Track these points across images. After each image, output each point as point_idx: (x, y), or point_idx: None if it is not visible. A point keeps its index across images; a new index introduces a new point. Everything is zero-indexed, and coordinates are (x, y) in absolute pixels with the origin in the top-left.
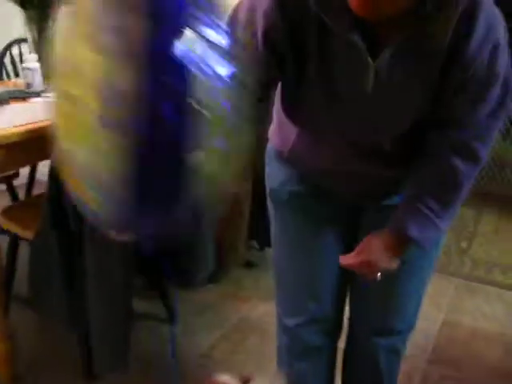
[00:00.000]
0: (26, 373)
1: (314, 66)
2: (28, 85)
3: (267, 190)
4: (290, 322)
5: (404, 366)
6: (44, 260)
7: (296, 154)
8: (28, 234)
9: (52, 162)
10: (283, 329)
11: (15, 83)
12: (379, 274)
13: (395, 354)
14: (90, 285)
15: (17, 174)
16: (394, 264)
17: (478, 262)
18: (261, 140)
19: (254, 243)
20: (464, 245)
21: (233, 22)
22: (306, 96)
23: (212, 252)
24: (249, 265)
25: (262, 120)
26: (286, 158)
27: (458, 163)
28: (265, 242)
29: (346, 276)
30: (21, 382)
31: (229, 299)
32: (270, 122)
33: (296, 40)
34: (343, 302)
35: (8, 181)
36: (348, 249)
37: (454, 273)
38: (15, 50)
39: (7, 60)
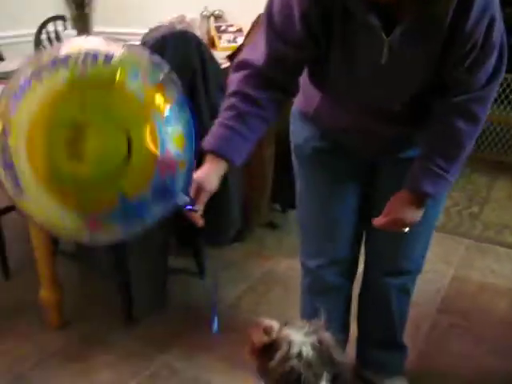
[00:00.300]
0: (72, 319)
1: (338, 44)
2: None
3: (292, 147)
4: (312, 263)
5: (413, 314)
6: None
7: (319, 114)
8: None
9: None
10: (306, 271)
11: None
12: (407, 228)
13: (405, 293)
14: (131, 242)
15: None
16: (417, 216)
17: (488, 225)
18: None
19: (277, 206)
20: (476, 209)
21: (269, 10)
22: (330, 69)
23: (238, 212)
24: (272, 226)
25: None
26: (310, 118)
27: (461, 124)
28: (287, 205)
29: (362, 223)
30: (68, 327)
31: (253, 256)
32: None
33: (326, 23)
34: (359, 246)
35: None
36: (364, 199)
37: (464, 234)
38: (50, 27)
39: (43, 37)
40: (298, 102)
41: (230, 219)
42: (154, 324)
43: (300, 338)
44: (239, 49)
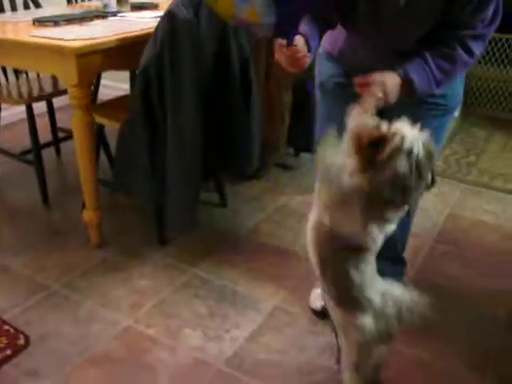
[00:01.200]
0: (111, 239)
1: None
2: (105, 6)
3: (317, 83)
4: None
5: (413, 243)
6: (131, 144)
7: (343, 54)
8: (114, 125)
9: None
10: None
11: (89, 5)
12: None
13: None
14: (168, 166)
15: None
16: (395, 93)
17: (483, 172)
18: None
19: (291, 150)
20: (472, 159)
21: None
22: (358, 10)
23: (257, 151)
24: (285, 167)
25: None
26: (335, 58)
27: (459, 49)
28: (300, 149)
29: None
30: (106, 246)
31: (269, 193)
32: None
33: None
34: None
35: None
36: None
37: (461, 180)
38: None
39: None
40: (324, 45)
41: (251, 153)
42: (184, 244)
43: (413, 135)
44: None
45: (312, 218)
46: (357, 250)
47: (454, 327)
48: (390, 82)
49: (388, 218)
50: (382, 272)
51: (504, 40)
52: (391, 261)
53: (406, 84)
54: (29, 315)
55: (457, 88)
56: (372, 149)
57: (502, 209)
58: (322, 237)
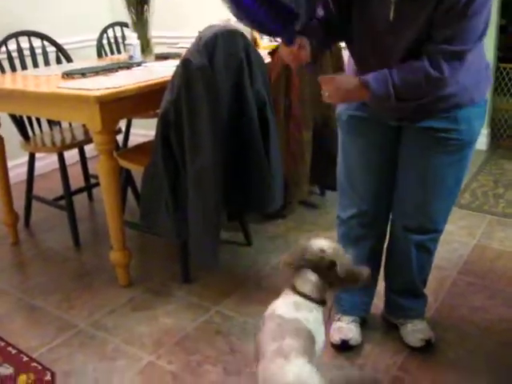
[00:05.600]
0: (137, 278)
1: (356, 7)
2: (130, 57)
3: (336, 114)
4: (345, 214)
5: (437, 275)
6: (154, 184)
7: None
8: (138, 169)
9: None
10: (340, 222)
11: (118, 58)
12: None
13: (425, 250)
14: (189, 205)
15: (120, 130)
16: (338, 97)
17: (511, 203)
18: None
19: (316, 189)
20: (501, 190)
21: None
22: (354, 29)
23: (279, 190)
24: (311, 206)
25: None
26: None
27: (425, 62)
28: (325, 187)
29: (390, 183)
30: (134, 285)
31: (294, 231)
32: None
33: None
34: (384, 201)
35: None
36: (389, 162)
37: (488, 211)
38: (110, 33)
39: (104, 41)
40: None
41: (272, 192)
42: (208, 283)
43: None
44: (278, 46)
45: None
46: None
47: None
48: (339, 81)
49: None
50: (402, 307)
51: None
52: (411, 295)
53: (364, 87)
54: (57, 353)
55: (474, 121)
56: None
57: None
58: None
